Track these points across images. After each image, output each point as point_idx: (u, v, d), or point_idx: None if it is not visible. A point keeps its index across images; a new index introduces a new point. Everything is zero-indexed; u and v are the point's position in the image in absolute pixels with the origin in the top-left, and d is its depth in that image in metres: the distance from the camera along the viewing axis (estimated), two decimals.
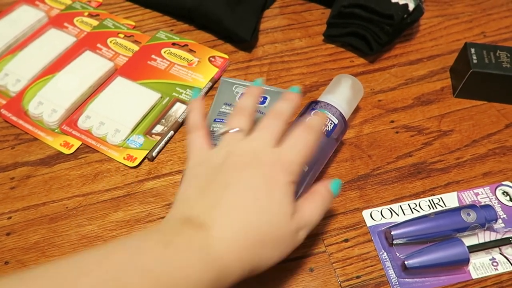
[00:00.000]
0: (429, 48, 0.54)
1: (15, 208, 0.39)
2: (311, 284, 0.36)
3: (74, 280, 0.21)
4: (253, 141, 0.31)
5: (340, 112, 0.39)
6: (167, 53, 0.50)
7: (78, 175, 0.41)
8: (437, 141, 0.45)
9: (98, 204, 0.39)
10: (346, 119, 0.40)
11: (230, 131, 0.32)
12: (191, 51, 0.51)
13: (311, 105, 0.40)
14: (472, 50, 0.47)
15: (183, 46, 0.52)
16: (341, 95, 0.41)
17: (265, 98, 0.45)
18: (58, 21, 0.52)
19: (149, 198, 0.40)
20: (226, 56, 0.51)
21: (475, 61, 0.46)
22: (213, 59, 0.51)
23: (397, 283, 0.35)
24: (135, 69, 0.48)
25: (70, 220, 0.38)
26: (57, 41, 0.50)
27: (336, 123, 0.38)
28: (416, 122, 0.46)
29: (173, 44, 0.52)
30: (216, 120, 0.42)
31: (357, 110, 0.47)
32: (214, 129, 0.41)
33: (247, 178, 0.29)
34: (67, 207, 0.39)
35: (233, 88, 0.46)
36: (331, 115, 0.38)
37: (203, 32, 0.54)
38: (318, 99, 0.41)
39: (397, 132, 0.45)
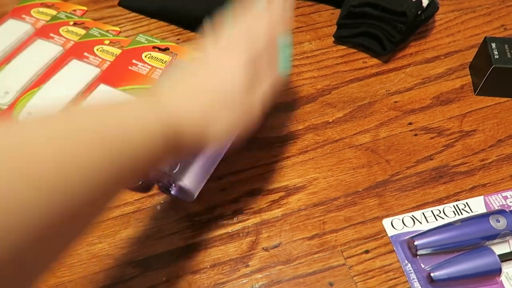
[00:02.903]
0: (446, 45, 0.51)
1: None
2: None
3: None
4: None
5: None
6: (148, 57, 0.49)
7: None
8: (459, 142, 0.43)
9: (108, 221, 0.38)
10: None
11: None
12: (172, 54, 0.51)
13: None
14: (493, 45, 0.44)
15: (164, 50, 0.51)
16: None
17: None
18: (44, 32, 0.53)
19: (159, 213, 0.39)
20: None
21: (496, 56, 0.43)
22: None
23: None
24: (117, 75, 0.48)
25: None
26: (43, 51, 0.50)
27: None
28: (435, 123, 0.44)
29: (154, 47, 0.51)
30: None
31: (372, 113, 0.45)
32: None
33: (213, 56, 0.30)
34: None
35: None
36: None
37: None
38: None
39: (415, 135, 0.43)
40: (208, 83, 0.28)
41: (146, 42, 0.51)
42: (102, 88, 0.47)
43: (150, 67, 0.49)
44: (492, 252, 0.33)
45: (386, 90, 0.47)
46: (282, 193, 0.40)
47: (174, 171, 0.36)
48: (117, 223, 0.38)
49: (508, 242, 0.35)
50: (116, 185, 0.22)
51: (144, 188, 0.40)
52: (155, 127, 0.24)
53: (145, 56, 0.50)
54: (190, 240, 0.37)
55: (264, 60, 0.31)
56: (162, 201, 0.39)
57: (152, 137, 0.24)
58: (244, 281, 0.35)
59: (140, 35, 0.52)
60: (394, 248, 0.36)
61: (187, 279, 0.35)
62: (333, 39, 0.52)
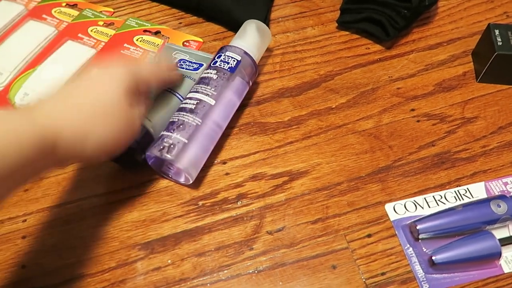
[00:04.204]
0: (449, 31, 0.51)
1: (30, 211, 0.38)
2: (334, 282, 0.34)
3: None
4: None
5: (245, 51, 0.42)
6: (140, 41, 0.49)
7: (92, 175, 0.40)
8: (461, 129, 0.43)
9: (113, 205, 0.39)
10: (255, 59, 0.43)
11: None
12: (164, 37, 0.50)
13: (220, 51, 0.43)
14: (496, 32, 0.44)
15: (155, 33, 0.50)
16: (247, 37, 0.44)
17: (201, 64, 0.44)
18: (37, 13, 0.52)
19: (164, 197, 0.39)
20: (201, 40, 0.50)
21: (499, 43, 0.43)
22: (187, 44, 0.50)
23: (425, 279, 0.34)
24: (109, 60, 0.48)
25: (85, 222, 0.38)
26: (35, 32, 0.50)
27: (239, 59, 0.41)
28: (438, 109, 0.44)
29: (145, 31, 0.50)
30: None
31: (375, 99, 0.45)
32: None
33: (94, 73, 0.32)
34: (82, 208, 0.38)
35: (173, 54, 0.46)
36: (235, 54, 0.42)
37: (212, 24, 0.52)
38: (227, 45, 0.44)
39: (418, 121, 0.44)
40: (89, 96, 0.30)
41: (136, 25, 0.51)
42: None
43: (142, 50, 0.49)
44: (493, 236, 0.34)
45: (389, 77, 0.47)
46: (285, 178, 0.40)
47: (171, 154, 0.36)
48: (122, 206, 0.38)
49: (508, 226, 0.36)
50: None
51: (128, 162, 0.40)
52: (29, 140, 0.25)
53: (137, 40, 0.49)
54: (195, 223, 0.37)
55: (144, 83, 0.35)
56: (165, 185, 0.40)
57: (27, 149, 0.25)
58: (248, 264, 0.35)
59: (130, 18, 0.52)
60: (396, 232, 0.36)
61: (192, 262, 0.36)
62: (336, 24, 0.52)
